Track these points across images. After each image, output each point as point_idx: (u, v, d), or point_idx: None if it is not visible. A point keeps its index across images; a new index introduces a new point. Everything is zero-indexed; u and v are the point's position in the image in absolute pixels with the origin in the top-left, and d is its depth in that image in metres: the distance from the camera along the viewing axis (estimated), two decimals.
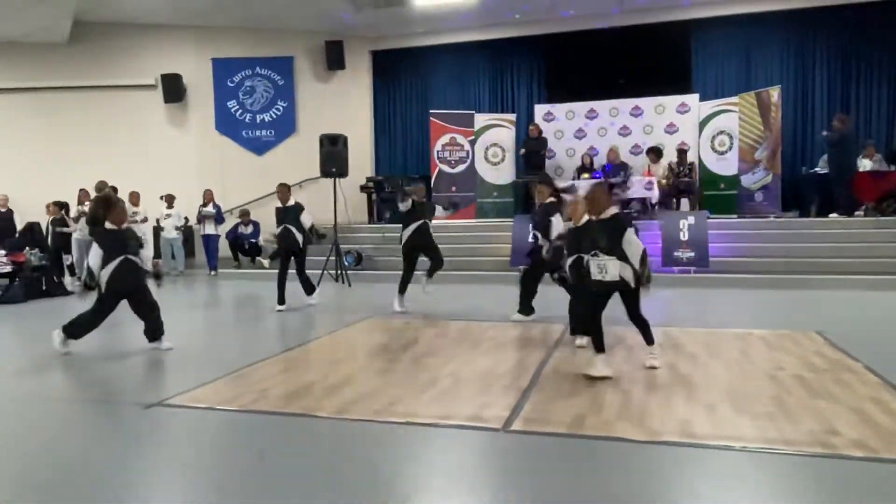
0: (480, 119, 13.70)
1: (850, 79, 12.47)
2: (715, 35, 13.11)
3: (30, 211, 12.94)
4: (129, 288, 5.36)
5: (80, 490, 2.85)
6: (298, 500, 2.70)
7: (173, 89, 14.29)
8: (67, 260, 11.60)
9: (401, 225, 7.49)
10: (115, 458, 3.21)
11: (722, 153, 12.55)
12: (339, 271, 10.49)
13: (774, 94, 11.74)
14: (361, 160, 13.62)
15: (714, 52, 13.25)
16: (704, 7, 12.69)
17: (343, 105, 14.41)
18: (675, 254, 9.62)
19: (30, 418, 3.92)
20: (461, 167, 13.60)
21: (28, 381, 4.80)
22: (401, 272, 7.46)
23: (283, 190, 8.10)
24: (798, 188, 11.38)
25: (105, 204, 5.38)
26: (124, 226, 5.45)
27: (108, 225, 5.33)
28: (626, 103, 13.19)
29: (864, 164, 11.17)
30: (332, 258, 10.47)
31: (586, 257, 4.56)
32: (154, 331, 5.53)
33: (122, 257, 5.28)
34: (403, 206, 7.39)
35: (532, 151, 12.71)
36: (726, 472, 2.91)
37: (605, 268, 4.39)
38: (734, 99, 12.39)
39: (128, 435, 3.60)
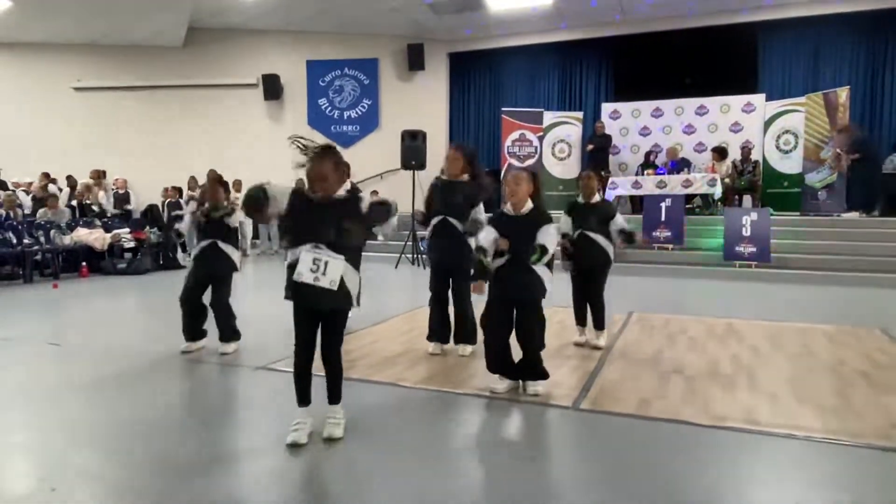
0: (549, 116, 13.54)
1: None
2: (783, 36, 12.47)
3: (145, 193, 13.78)
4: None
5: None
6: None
7: (272, 88, 14.80)
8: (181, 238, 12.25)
9: None
10: (218, 408, 3.42)
11: (786, 152, 11.97)
12: (415, 255, 10.68)
13: (843, 94, 11.09)
14: (438, 154, 13.67)
15: (782, 53, 12.61)
16: (773, 9, 12.09)
17: (422, 103, 14.54)
18: (737, 248, 9.29)
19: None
20: (529, 162, 13.49)
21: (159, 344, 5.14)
22: None
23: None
24: (864, 188, 10.69)
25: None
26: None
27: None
28: (692, 102, 12.74)
29: None
30: (410, 243, 10.67)
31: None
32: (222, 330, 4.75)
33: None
34: None
35: (598, 148, 12.51)
36: (789, 459, 2.83)
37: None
38: (801, 99, 11.77)
39: (233, 391, 3.83)
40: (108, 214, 12.01)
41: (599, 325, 4.88)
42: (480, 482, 2.64)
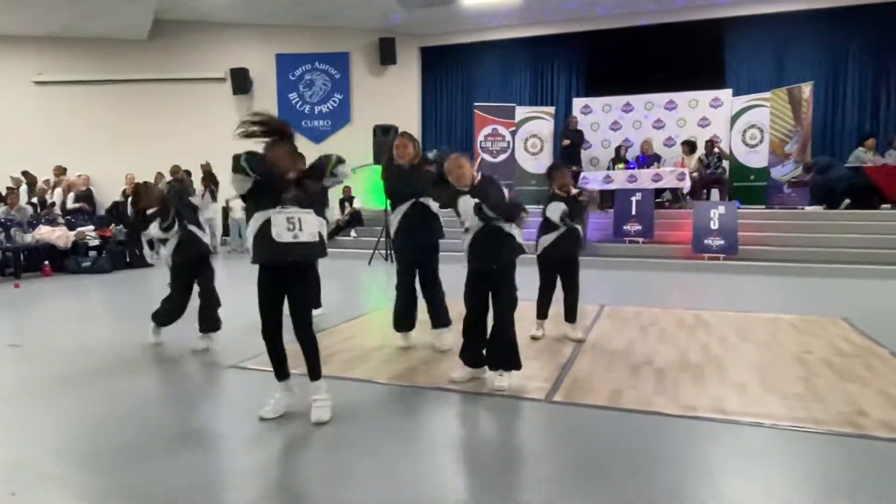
0: (521, 111, 13.58)
1: (880, 75, 11.95)
2: (748, 32, 12.69)
3: (110, 191, 13.44)
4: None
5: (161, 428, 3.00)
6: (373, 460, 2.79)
7: (241, 82, 14.55)
8: (147, 236, 12.01)
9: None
10: (192, 408, 3.35)
11: (753, 146, 12.21)
12: (388, 251, 10.62)
13: (806, 89, 11.34)
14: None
15: (747, 48, 12.83)
16: (739, 6, 12.30)
17: (394, 97, 14.45)
18: (706, 241, 9.44)
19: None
20: (502, 157, 13.53)
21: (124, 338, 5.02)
22: None
23: None
24: (828, 182, 10.96)
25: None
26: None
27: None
28: (661, 97, 12.90)
29: (863, 157, 10.80)
30: (383, 239, 10.61)
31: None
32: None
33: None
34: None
35: (571, 142, 12.59)
36: (757, 447, 2.88)
37: None
38: (766, 94, 12.00)
39: (206, 391, 3.75)
40: (69, 211, 11.69)
41: (574, 317, 4.91)
42: (456, 477, 2.63)
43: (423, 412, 3.35)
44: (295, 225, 2.94)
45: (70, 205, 12.04)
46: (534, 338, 4.88)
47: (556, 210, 4.60)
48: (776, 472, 2.63)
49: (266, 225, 2.93)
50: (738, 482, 2.55)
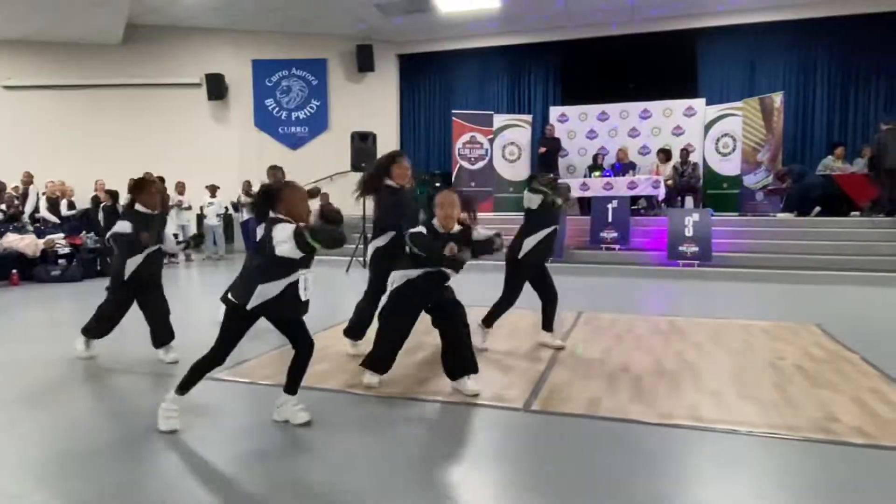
0: (499, 119, 13.66)
1: (848, 85, 12.27)
2: (721, 43, 12.94)
3: (81, 197, 13.14)
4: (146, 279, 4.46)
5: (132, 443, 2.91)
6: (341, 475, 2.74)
7: (216, 88, 14.40)
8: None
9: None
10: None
11: (725, 155, 12.41)
12: (366, 258, 10.53)
13: (777, 99, 11.57)
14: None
15: (720, 59, 13.08)
16: (712, 16, 12.53)
17: (372, 104, 14.42)
18: (680, 248, 9.55)
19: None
20: (480, 164, 13.57)
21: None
22: None
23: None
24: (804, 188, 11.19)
25: (136, 185, 4.44)
26: (156, 211, 4.46)
27: (138, 207, 4.36)
28: (636, 106, 13.07)
29: (831, 165, 11.06)
30: (361, 246, 10.53)
31: None
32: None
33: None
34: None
35: (548, 150, 12.68)
36: (733, 454, 2.88)
37: None
38: (738, 104, 12.23)
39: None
40: (38, 219, 11.41)
41: (552, 325, 4.89)
42: (431, 488, 2.59)
43: (399, 422, 3.31)
44: (311, 285, 3.14)
45: (65, 212, 11.77)
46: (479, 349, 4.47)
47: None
48: (752, 478, 2.63)
49: (296, 283, 3.06)
50: (714, 489, 2.55)
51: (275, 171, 7.16)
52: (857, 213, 10.47)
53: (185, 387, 3.11)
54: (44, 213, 11.65)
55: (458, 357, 3.71)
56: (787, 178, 10.82)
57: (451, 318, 3.75)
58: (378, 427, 3.25)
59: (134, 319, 4.62)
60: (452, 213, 3.69)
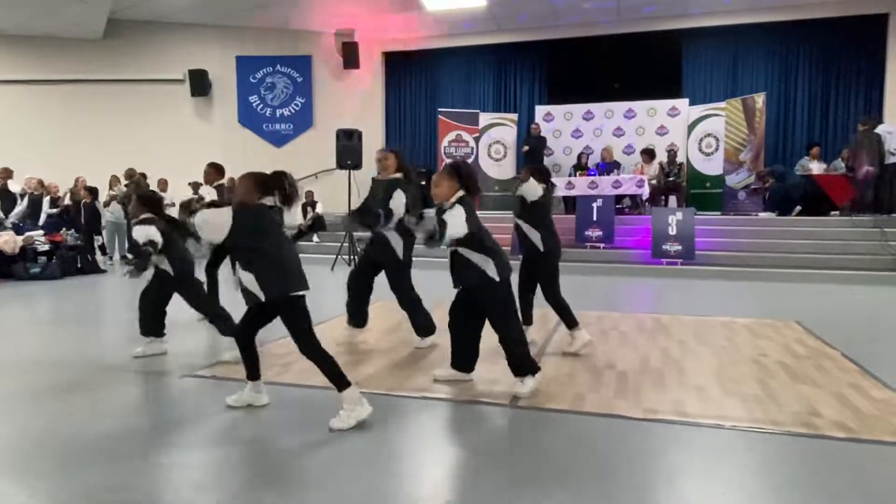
0: (484, 118, 13.66)
1: (827, 87, 12.44)
2: (704, 44, 13.06)
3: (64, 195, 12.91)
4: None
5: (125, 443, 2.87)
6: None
7: (200, 84, 14.26)
8: (99, 240, 11.65)
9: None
10: (151, 421, 3.23)
11: (708, 154, 12.53)
12: (351, 257, 10.50)
13: (759, 100, 11.71)
14: (374, 154, 13.61)
15: (704, 60, 13.20)
16: (696, 18, 12.64)
17: (357, 102, 14.37)
18: (664, 247, 9.62)
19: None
20: None
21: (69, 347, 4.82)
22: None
23: None
24: (787, 188, 11.32)
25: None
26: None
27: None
28: (621, 106, 13.15)
29: (808, 166, 11.23)
30: (346, 244, 10.49)
31: None
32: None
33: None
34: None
35: (533, 149, 12.71)
36: (717, 448, 2.92)
37: None
38: (721, 104, 12.35)
39: (162, 401, 3.62)
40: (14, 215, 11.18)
41: (531, 320, 4.91)
42: (418, 484, 2.59)
43: (386, 419, 3.29)
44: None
45: (48, 209, 11.54)
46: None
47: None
48: (736, 472, 2.66)
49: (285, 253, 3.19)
50: (699, 483, 2.57)
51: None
52: (837, 212, 10.62)
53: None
54: (18, 209, 11.40)
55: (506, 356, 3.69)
56: (769, 178, 10.97)
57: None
58: (364, 424, 3.24)
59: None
60: (436, 192, 3.72)
